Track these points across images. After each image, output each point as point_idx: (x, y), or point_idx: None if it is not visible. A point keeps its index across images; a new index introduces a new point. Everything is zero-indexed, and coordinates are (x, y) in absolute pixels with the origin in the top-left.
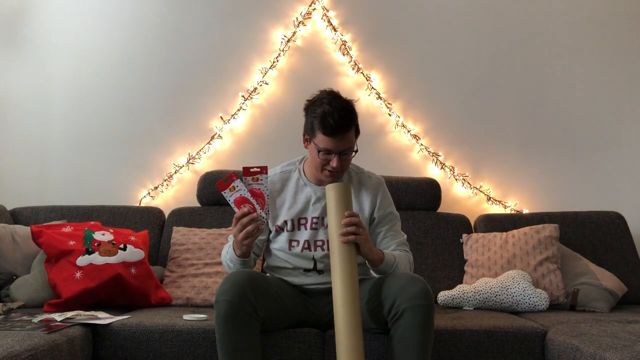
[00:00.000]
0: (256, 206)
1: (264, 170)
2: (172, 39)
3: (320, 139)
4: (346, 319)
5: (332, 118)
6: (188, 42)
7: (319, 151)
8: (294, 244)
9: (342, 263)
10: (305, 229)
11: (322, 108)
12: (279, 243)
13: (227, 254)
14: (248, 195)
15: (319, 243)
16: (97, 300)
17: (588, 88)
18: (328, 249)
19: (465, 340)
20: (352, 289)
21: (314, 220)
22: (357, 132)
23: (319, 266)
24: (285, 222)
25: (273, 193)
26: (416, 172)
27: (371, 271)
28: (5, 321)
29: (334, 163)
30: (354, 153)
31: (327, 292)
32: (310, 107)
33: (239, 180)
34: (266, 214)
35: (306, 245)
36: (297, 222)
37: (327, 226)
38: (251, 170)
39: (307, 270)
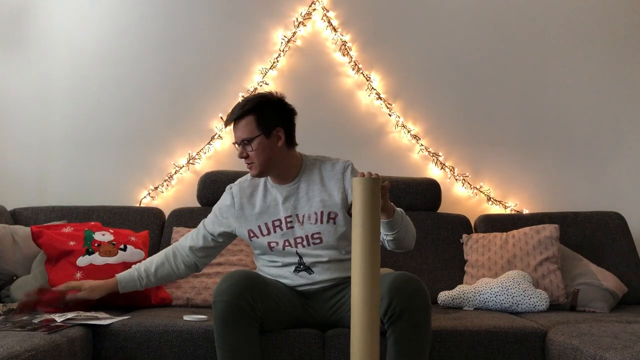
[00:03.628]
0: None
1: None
2: (172, 39)
3: None
4: (364, 317)
5: (230, 112)
6: (188, 42)
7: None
8: (273, 244)
9: (364, 257)
10: (282, 229)
11: None
12: (260, 248)
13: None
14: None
15: (299, 240)
16: (97, 301)
17: (588, 88)
18: (308, 245)
19: (465, 341)
20: (372, 282)
21: (288, 220)
22: (266, 121)
23: (306, 261)
24: (259, 227)
25: (243, 199)
26: (416, 172)
27: (382, 227)
28: (5, 321)
29: (238, 153)
30: (256, 140)
31: (323, 292)
32: None
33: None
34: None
35: (287, 244)
36: (272, 225)
37: (302, 222)
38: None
39: (296, 270)
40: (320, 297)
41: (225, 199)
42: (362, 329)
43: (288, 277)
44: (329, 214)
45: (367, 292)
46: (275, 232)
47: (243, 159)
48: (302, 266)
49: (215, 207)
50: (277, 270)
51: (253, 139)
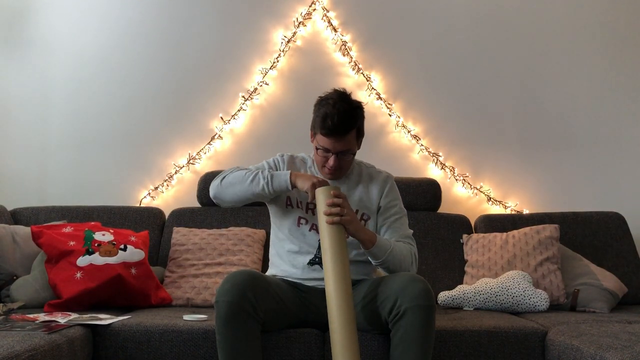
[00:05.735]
0: None
1: None
2: (173, 39)
3: (320, 138)
4: (340, 318)
5: (331, 120)
6: (188, 42)
7: (317, 149)
8: (303, 221)
9: (335, 264)
10: (314, 214)
11: (326, 108)
12: (289, 219)
13: (256, 175)
14: None
15: None
16: (98, 301)
17: (588, 88)
18: None
19: (465, 341)
20: (345, 289)
21: None
22: (361, 134)
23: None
24: (297, 199)
25: (292, 169)
26: (416, 172)
27: (368, 257)
28: (5, 321)
29: (330, 162)
30: (353, 151)
31: None
32: (318, 104)
33: None
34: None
35: (314, 228)
36: (306, 206)
37: None
38: None
39: (311, 263)
40: (325, 296)
41: (277, 161)
42: (340, 330)
43: (300, 267)
44: (362, 214)
45: (340, 292)
46: (307, 213)
47: (323, 164)
48: (317, 259)
49: (268, 161)
50: (292, 256)
51: (351, 153)
